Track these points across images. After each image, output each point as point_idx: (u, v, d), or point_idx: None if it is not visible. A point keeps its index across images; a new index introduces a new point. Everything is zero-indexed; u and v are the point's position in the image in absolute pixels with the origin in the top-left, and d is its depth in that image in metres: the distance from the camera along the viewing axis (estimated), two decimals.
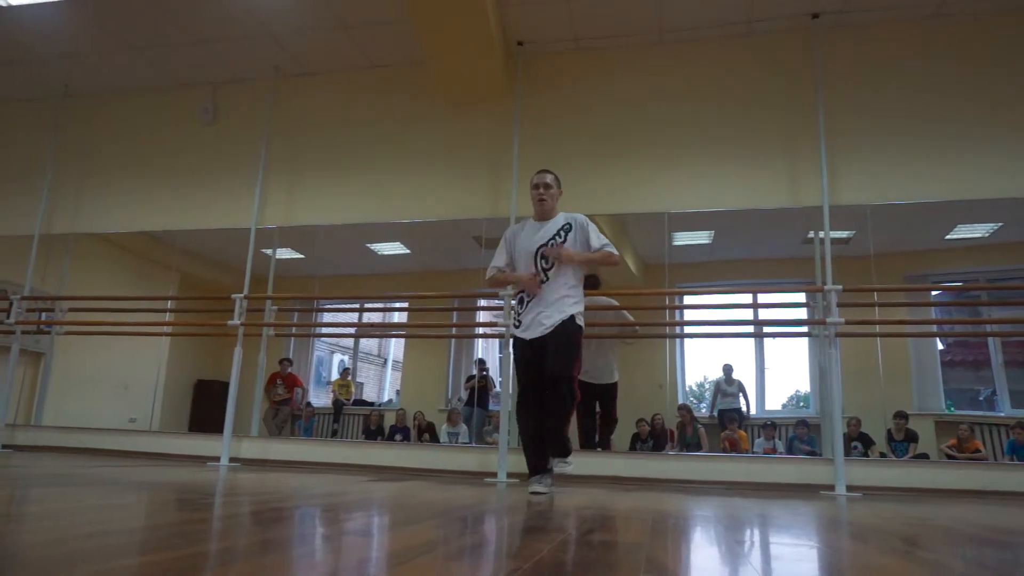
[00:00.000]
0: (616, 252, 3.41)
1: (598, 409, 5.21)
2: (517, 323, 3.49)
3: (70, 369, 6.58)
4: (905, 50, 5.34)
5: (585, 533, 1.86)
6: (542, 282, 3.45)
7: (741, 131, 5.42)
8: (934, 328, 5.65)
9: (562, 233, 3.48)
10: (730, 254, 6.82)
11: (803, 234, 5.82)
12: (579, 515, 2.36)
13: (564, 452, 3.37)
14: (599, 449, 5.11)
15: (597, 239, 3.46)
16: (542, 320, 3.38)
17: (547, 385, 3.29)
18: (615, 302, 5.11)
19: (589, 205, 5.31)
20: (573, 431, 4.35)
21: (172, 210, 6.48)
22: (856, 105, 5.29)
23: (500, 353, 6.51)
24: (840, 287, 4.54)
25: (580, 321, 3.41)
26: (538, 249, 3.48)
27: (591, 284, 4.85)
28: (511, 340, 3.55)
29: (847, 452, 5.31)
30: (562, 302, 3.38)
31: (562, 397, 3.26)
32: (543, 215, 3.53)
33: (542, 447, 3.39)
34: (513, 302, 3.64)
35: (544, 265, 3.45)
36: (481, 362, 7.69)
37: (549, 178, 3.54)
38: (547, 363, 3.29)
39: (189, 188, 6.48)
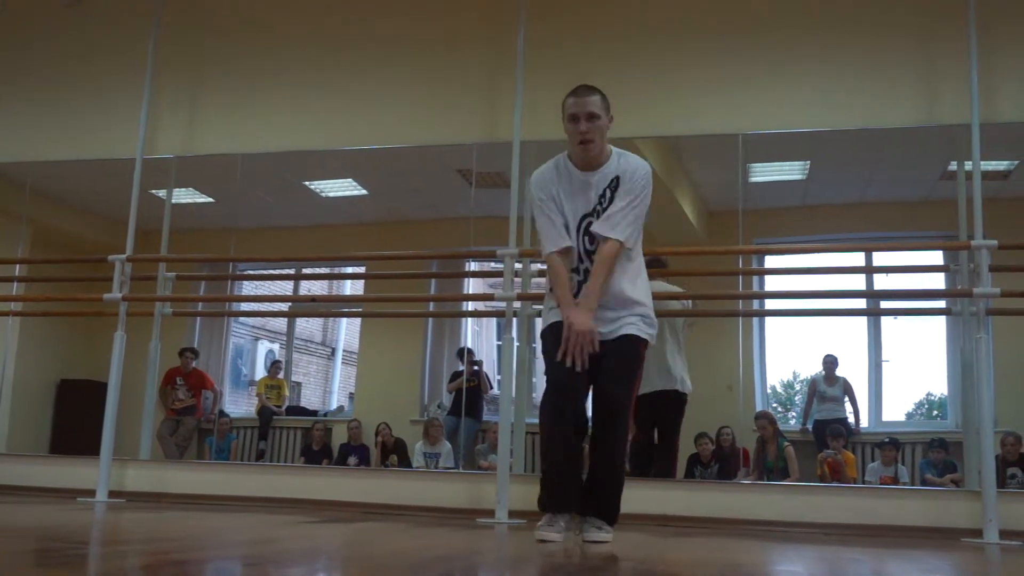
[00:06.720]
0: (622, 241, 3.21)
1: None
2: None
3: None
4: None
5: None
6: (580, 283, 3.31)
7: (852, 14, 5.34)
8: None
9: (607, 193, 3.29)
10: (832, 196, 6.75)
11: (941, 167, 5.74)
12: (614, 573, 2.35)
13: (613, 516, 3.30)
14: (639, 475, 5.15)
15: (617, 204, 3.27)
16: (607, 316, 3.27)
17: (598, 418, 3.28)
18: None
19: (626, 123, 5.23)
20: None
21: (19, 133, 6.40)
22: None
23: (499, 340, 6.50)
24: (995, 243, 4.49)
25: (651, 329, 3.36)
26: (583, 220, 3.32)
27: (654, 264, 4.76)
28: (547, 327, 3.37)
29: (1002, 483, 5.31)
30: (630, 302, 3.30)
31: (622, 436, 3.28)
32: (588, 162, 3.31)
33: (572, 478, 3.35)
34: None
35: (589, 246, 3.31)
36: (470, 353, 7.69)
37: (594, 102, 3.23)
38: (603, 386, 3.26)
39: (44, 101, 6.41)
